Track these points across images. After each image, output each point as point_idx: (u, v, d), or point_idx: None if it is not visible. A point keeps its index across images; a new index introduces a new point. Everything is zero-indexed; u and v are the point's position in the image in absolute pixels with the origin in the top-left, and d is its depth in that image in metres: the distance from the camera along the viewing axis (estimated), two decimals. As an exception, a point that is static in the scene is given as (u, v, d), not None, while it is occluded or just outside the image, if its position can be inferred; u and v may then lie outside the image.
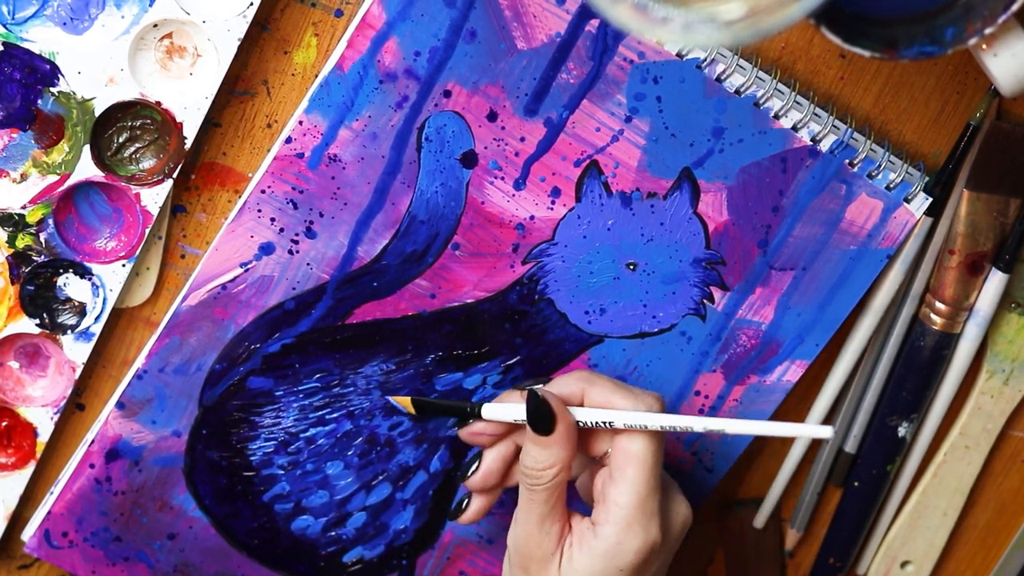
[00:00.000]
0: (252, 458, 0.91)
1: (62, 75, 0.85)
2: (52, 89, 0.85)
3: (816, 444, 0.95)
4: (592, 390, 0.83)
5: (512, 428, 0.86)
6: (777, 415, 0.93)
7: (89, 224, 0.88)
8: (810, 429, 0.80)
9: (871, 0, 0.80)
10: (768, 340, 0.90)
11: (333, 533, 0.92)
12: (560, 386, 0.84)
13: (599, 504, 0.82)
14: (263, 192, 0.87)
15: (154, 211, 0.87)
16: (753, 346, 0.90)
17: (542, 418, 0.82)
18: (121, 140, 0.87)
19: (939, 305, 0.90)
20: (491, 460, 0.86)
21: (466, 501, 0.87)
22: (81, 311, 0.89)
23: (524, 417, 0.84)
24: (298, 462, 0.91)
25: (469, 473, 0.86)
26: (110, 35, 0.84)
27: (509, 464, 0.87)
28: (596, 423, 0.83)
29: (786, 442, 0.95)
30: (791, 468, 0.94)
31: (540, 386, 0.84)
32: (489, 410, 0.86)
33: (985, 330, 0.91)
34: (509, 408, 0.85)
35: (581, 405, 0.84)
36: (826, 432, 0.79)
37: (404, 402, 0.89)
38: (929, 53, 0.80)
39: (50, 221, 0.87)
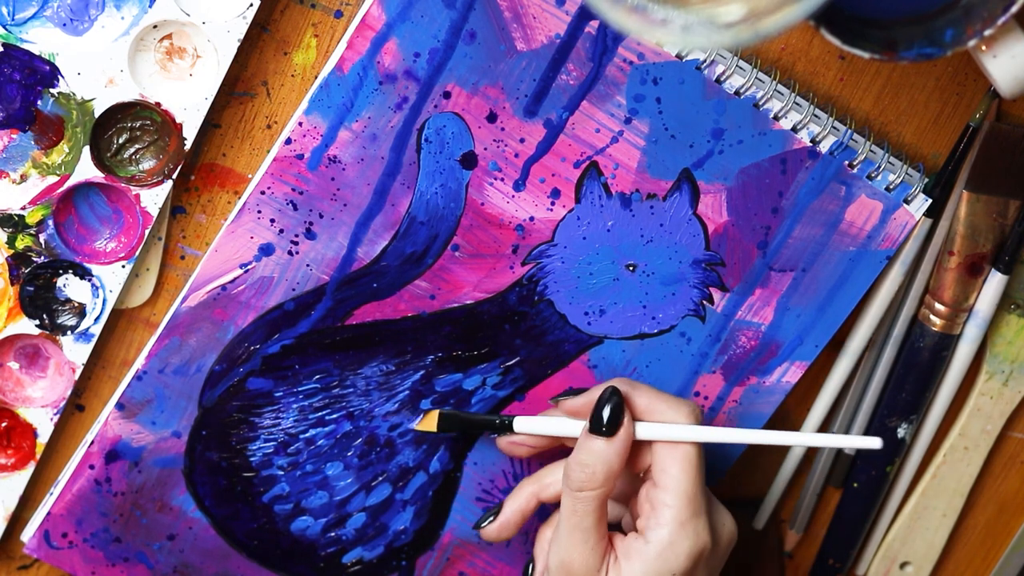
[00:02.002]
0: (252, 459, 0.91)
1: (62, 76, 0.85)
2: (52, 90, 0.85)
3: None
4: (635, 395, 0.83)
5: (550, 441, 0.87)
6: (776, 416, 0.93)
7: (89, 225, 0.88)
8: (859, 440, 0.81)
9: (871, 2, 0.80)
10: (768, 341, 0.90)
11: (333, 534, 0.92)
12: (593, 393, 0.84)
13: (646, 512, 0.82)
14: (263, 193, 0.87)
15: (154, 212, 0.87)
16: (753, 347, 0.90)
17: (614, 415, 0.82)
18: (121, 141, 0.87)
19: (938, 306, 0.90)
20: (510, 513, 0.87)
21: (493, 516, 0.87)
22: (81, 312, 0.89)
23: (560, 429, 0.84)
24: (298, 463, 0.91)
25: (484, 524, 0.87)
26: (110, 36, 0.84)
27: (527, 518, 0.87)
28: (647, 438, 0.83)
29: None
30: (791, 469, 0.94)
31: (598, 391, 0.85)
32: (522, 423, 0.86)
33: (984, 331, 0.91)
34: (544, 421, 0.86)
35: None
36: (875, 443, 0.80)
37: (430, 420, 0.89)
38: (928, 55, 0.80)
39: (50, 222, 0.87)
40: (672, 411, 0.82)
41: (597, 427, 0.82)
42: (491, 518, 0.87)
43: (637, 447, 0.84)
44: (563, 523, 0.82)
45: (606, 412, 0.82)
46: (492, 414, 0.89)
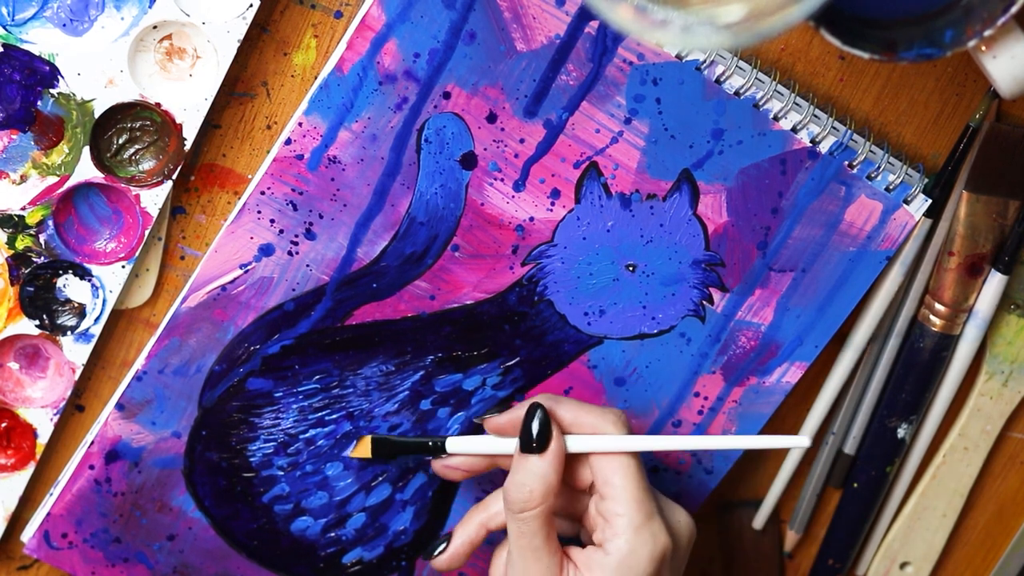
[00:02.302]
0: (251, 459, 0.91)
1: (62, 76, 0.85)
2: (52, 90, 0.85)
3: (816, 445, 0.95)
4: (559, 409, 0.83)
5: (485, 461, 0.87)
6: (776, 417, 0.93)
7: (89, 225, 0.88)
8: (785, 440, 0.81)
9: (870, 2, 0.80)
10: (767, 341, 0.90)
11: (333, 534, 0.92)
12: (520, 411, 0.84)
13: (600, 525, 0.82)
14: (263, 193, 0.87)
15: (154, 212, 0.87)
16: (752, 347, 0.90)
17: (542, 431, 0.82)
18: (121, 141, 0.87)
19: (938, 307, 0.90)
20: (459, 544, 0.86)
21: (443, 545, 0.87)
22: (81, 312, 0.89)
23: (491, 447, 0.84)
24: (298, 463, 0.91)
25: (435, 553, 0.86)
26: (110, 37, 0.84)
27: (476, 547, 0.87)
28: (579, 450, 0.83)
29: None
30: (790, 469, 0.94)
31: (498, 414, 0.85)
32: (454, 443, 0.86)
33: (984, 331, 0.91)
34: (476, 441, 0.86)
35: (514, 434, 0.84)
36: (803, 442, 0.80)
37: (363, 447, 0.89)
38: (928, 55, 0.80)
39: (50, 222, 0.87)
40: (598, 421, 0.82)
41: (527, 444, 0.82)
42: (442, 547, 0.86)
43: (574, 461, 0.84)
44: (512, 547, 0.83)
45: (534, 428, 0.82)
46: (424, 436, 0.89)
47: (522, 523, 0.82)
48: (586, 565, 0.82)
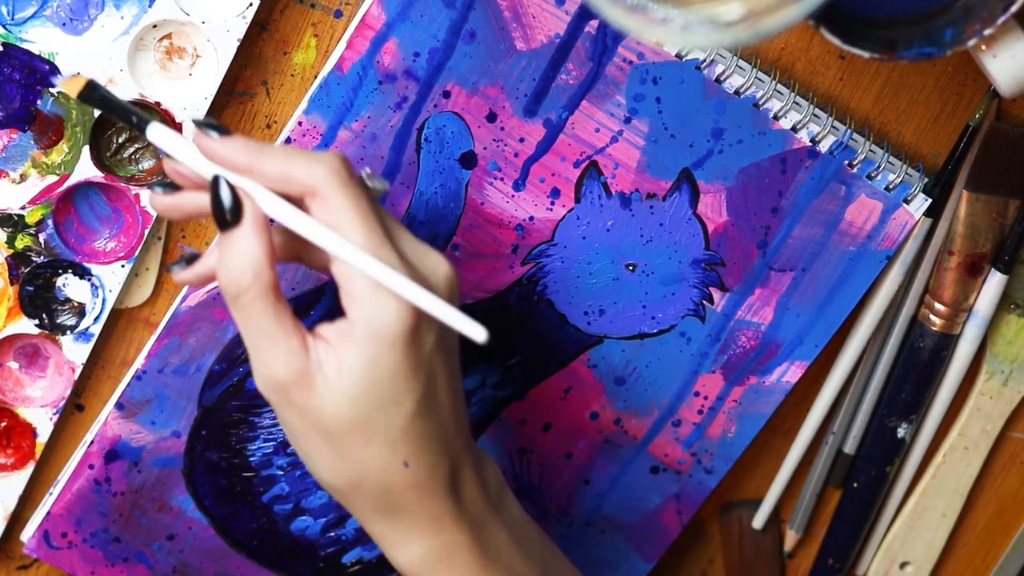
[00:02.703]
0: (251, 459, 0.91)
1: (62, 75, 0.85)
2: (51, 89, 0.85)
3: (816, 445, 0.95)
4: (265, 163, 0.71)
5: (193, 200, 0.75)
6: (776, 416, 0.93)
7: (88, 225, 0.88)
8: (464, 323, 0.71)
9: (870, 1, 0.80)
10: (767, 341, 0.90)
11: (332, 534, 0.92)
12: (232, 145, 0.71)
13: (342, 287, 0.71)
14: (262, 193, 0.87)
15: (153, 212, 0.87)
16: (752, 347, 0.90)
17: (231, 204, 0.71)
18: (120, 141, 0.87)
19: (938, 306, 0.90)
20: (203, 269, 0.74)
21: (184, 264, 0.75)
22: (80, 312, 0.89)
23: (192, 155, 0.72)
24: (297, 463, 0.91)
25: (176, 269, 0.75)
26: (109, 36, 0.84)
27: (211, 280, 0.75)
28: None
29: (786, 442, 0.95)
30: (790, 469, 0.94)
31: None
32: (155, 130, 0.74)
33: (984, 331, 0.91)
34: (178, 140, 0.73)
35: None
36: (480, 335, 0.70)
37: (75, 83, 0.74)
38: (928, 54, 0.80)
39: (49, 222, 0.87)
40: (309, 173, 0.70)
41: (221, 219, 0.71)
42: (182, 264, 0.75)
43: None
44: (244, 339, 0.72)
45: (222, 200, 0.71)
46: (135, 107, 0.75)
47: (243, 310, 0.71)
48: (339, 339, 0.71)
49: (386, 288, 0.70)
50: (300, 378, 0.71)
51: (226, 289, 0.72)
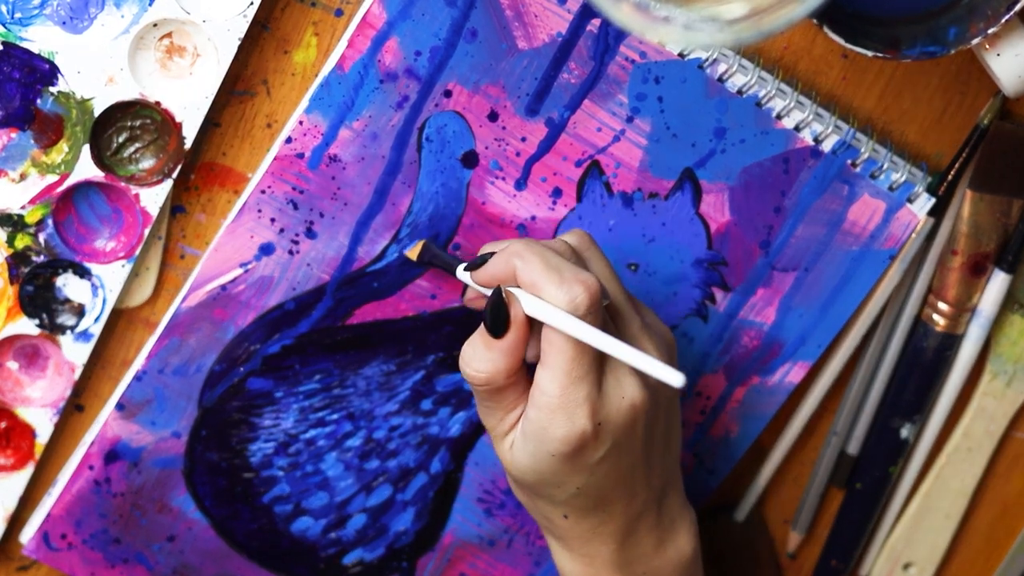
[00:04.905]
0: (252, 459, 0.90)
1: (61, 75, 0.84)
2: (51, 89, 0.85)
3: (816, 444, 0.95)
4: (522, 268, 0.78)
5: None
6: (779, 416, 0.93)
7: (88, 224, 0.88)
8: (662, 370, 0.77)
9: (874, 0, 0.80)
10: (770, 341, 0.90)
11: (333, 535, 0.92)
12: (495, 264, 0.80)
13: (533, 386, 0.79)
14: (263, 192, 0.86)
15: (154, 211, 0.87)
16: (755, 347, 0.90)
17: (496, 320, 0.78)
18: (121, 140, 0.87)
19: (942, 306, 0.89)
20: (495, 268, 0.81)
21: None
22: (80, 312, 0.88)
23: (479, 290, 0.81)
24: (298, 463, 0.91)
25: (474, 267, 0.81)
26: (110, 34, 0.84)
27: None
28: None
29: (783, 440, 0.94)
30: (775, 464, 0.94)
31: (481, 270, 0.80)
32: (461, 274, 0.83)
33: (988, 331, 0.91)
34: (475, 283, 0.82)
35: (515, 284, 0.79)
36: (677, 380, 0.76)
37: (415, 249, 0.86)
38: (932, 53, 0.80)
39: (49, 221, 0.87)
40: (553, 290, 0.77)
41: (487, 326, 0.79)
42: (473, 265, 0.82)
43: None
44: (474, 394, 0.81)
45: (489, 316, 0.78)
46: (457, 261, 0.84)
47: (471, 385, 0.80)
48: (523, 421, 0.80)
49: (561, 412, 0.78)
50: (498, 438, 0.81)
51: (462, 370, 0.80)
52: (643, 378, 0.79)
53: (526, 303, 0.78)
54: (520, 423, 0.80)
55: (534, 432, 0.79)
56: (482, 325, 0.79)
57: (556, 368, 0.78)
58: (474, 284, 0.81)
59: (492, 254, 0.80)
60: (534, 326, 0.80)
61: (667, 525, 0.83)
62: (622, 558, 0.82)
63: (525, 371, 0.80)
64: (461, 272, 0.83)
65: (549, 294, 0.77)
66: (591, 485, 0.80)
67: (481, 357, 0.79)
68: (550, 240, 0.81)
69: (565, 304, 0.77)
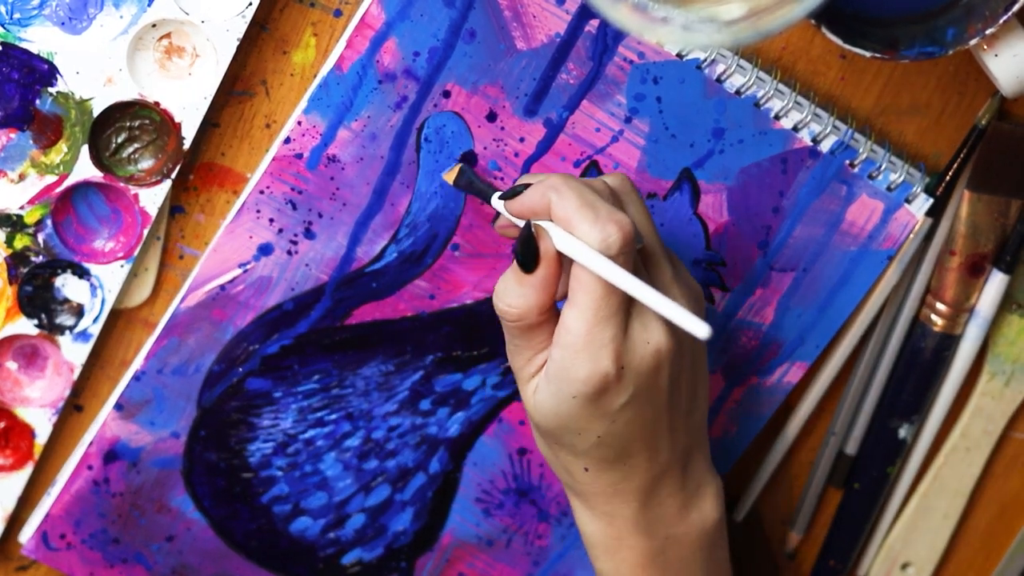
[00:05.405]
0: (250, 459, 0.90)
1: (60, 75, 0.84)
2: (50, 89, 0.85)
3: (814, 444, 0.95)
4: (557, 202, 0.77)
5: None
6: (777, 416, 0.93)
7: (87, 224, 0.88)
8: (690, 321, 0.76)
9: (872, 0, 0.80)
10: (768, 341, 0.90)
11: (332, 535, 0.92)
12: (531, 195, 0.78)
13: (558, 324, 0.78)
14: (262, 193, 0.87)
15: (153, 211, 0.87)
16: (753, 347, 0.90)
17: (527, 254, 0.77)
18: (119, 140, 0.87)
19: (940, 306, 0.89)
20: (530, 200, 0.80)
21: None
22: (79, 312, 0.89)
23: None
24: (297, 463, 0.91)
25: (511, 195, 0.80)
26: (108, 35, 0.84)
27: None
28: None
29: (781, 441, 0.94)
30: (773, 464, 0.94)
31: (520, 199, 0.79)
32: (496, 203, 0.82)
33: (986, 331, 0.91)
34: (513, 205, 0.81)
35: (548, 218, 0.78)
36: (703, 332, 0.75)
37: (452, 172, 0.86)
38: (930, 53, 0.80)
39: (48, 221, 0.87)
40: (586, 228, 0.76)
41: (518, 260, 0.78)
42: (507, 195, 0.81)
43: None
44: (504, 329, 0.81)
45: (523, 248, 0.77)
46: (493, 188, 0.84)
47: (504, 326, 0.79)
48: (545, 365, 0.79)
49: (585, 353, 0.77)
50: (524, 380, 0.80)
51: (495, 305, 0.79)
52: (670, 327, 0.78)
53: (557, 239, 0.77)
54: (544, 370, 0.79)
55: (557, 373, 0.77)
56: (514, 260, 0.78)
57: (583, 307, 0.76)
58: (508, 214, 0.81)
59: (529, 185, 0.79)
60: (565, 263, 0.79)
61: (692, 489, 0.82)
62: (644, 519, 0.81)
63: (556, 313, 0.79)
64: (496, 200, 0.81)
65: (582, 231, 0.76)
66: (612, 434, 0.78)
67: (513, 292, 0.78)
68: (589, 179, 0.80)
69: (597, 243, 0.76)
